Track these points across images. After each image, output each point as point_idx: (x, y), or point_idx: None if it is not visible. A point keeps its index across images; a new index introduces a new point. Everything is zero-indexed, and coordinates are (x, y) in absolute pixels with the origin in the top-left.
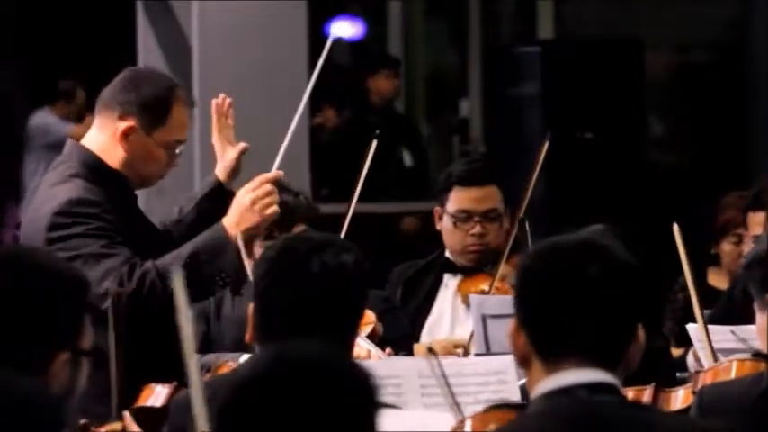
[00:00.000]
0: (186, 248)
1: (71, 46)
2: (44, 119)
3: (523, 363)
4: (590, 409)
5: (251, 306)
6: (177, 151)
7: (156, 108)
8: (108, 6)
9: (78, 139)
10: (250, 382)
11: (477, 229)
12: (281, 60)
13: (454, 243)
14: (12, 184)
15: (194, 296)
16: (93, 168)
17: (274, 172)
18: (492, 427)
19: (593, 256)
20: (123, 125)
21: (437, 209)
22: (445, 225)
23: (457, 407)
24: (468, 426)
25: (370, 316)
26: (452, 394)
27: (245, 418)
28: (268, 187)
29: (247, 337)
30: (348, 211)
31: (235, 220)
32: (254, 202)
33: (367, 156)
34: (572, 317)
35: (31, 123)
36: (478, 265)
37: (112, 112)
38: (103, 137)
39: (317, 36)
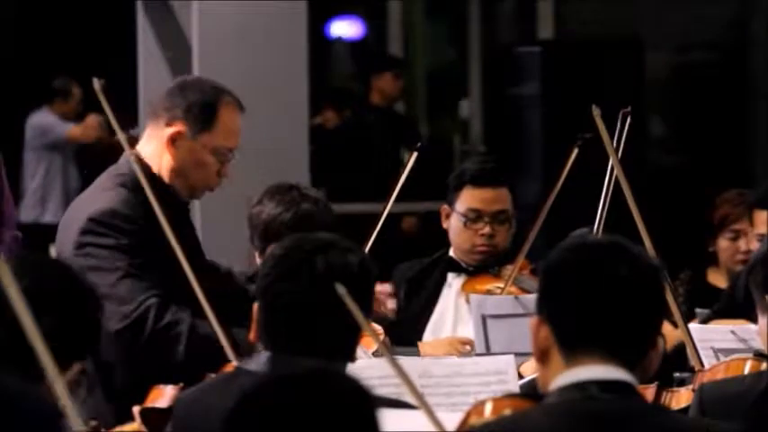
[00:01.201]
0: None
1: (71, 46)
2: (43, 119)
3: (542, 357)
4: (597, 406)
5: (255, 304)
6: (229, 159)
7: (202, 111)
8: (108, 6)
9: (76, 138)
10: (249, 397)
11: (487, 229)
12: (281, 61)
13: (462, 242)
14: (11, 185)
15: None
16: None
17: None
18: (507, 412)
19: (623, 256)
20: (170, 131)
21: (444, 207)
22: (453, 224)
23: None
24: (486, 410)
25: (377, 329)
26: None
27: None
28: None
29: (251, 335)
30: (383, 212)
31: None
32: None
33: (407, 165)
34: (599, 312)
35: (29, 123)
36: (483, 265)
37: (159, 119)
38: (152, 146)
39: (317, 37)
